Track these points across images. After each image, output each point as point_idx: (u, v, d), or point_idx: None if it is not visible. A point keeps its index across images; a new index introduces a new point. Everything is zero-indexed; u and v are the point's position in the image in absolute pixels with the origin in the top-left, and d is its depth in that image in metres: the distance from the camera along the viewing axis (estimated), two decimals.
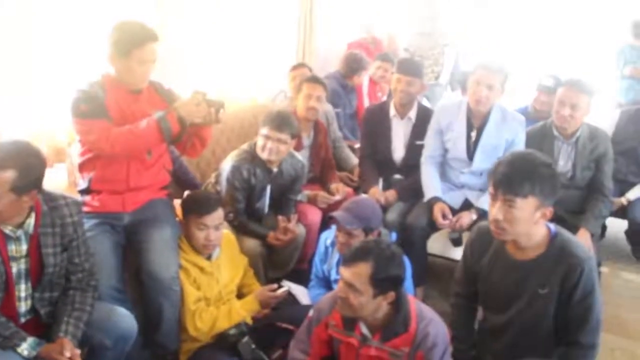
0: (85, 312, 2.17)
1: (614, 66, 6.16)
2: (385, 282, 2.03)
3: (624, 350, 3.17)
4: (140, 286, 2.55)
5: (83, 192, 2.57)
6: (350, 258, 2.07)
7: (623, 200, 4.01)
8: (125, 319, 2.30)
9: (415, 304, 2.17)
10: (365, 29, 5.99)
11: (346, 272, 2.05)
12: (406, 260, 2.72)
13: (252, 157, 3.14)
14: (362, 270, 2.02)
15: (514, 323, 2.20)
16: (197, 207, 2.65)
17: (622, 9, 6.79)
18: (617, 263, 4.22)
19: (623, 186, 4.07)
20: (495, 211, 2.03)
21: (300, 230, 3.28)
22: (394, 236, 3.04)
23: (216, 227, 2.63)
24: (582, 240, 3.08)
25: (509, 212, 2.00)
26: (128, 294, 2.55)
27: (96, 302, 2.25)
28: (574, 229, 3.16)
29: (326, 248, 2.92)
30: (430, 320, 2.12)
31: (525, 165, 2.01)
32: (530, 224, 2.03)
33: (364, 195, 3.45)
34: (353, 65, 4.74)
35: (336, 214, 2.72)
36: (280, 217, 3.16)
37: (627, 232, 4.31)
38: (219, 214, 2.65)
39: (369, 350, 2.13)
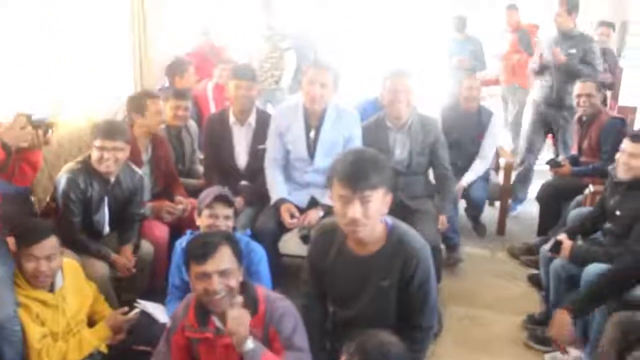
0: None
1: (445, 58, 6.63)
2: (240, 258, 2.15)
3: (472, 317, 3.44)
4: None
5: None
6: (207, 250, 2.07)
7: (463, 185, 4.31)
8: None
9: (263, 290, 2.23)
10: (204, 38, 5.94)
11: (211, 265, 2.04)
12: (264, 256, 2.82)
13: (87, 168, 3.05)
14: (225, 251, 2.08)
15: (362, 315, 2.25)
16: (24, 236, 2.48)
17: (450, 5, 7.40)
18: (461, 240, 4.53)
19: (455, 169, 4.38)
20: (353, 211, 2.00)
21: (147, 248, 3.23)
22: (248, 231, 3.03)
23: (47, 258, 2.45)
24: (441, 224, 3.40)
25: (367, 207, 2.00)
26: None
27: None
28: (416, 213, 3.38)
29: (182, 251, 2.87)
30: (278, 300, 2.18)
31: (366, 159, 2.05)
32: (379, 213, 2.07)
33: None
34: (170, 69, 4.81)
35: (221, 193, 2.72)
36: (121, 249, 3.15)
37: (466, 210, 4.65)
38: (50, 243, 2.47)
39: (224, 340, 2.12)
